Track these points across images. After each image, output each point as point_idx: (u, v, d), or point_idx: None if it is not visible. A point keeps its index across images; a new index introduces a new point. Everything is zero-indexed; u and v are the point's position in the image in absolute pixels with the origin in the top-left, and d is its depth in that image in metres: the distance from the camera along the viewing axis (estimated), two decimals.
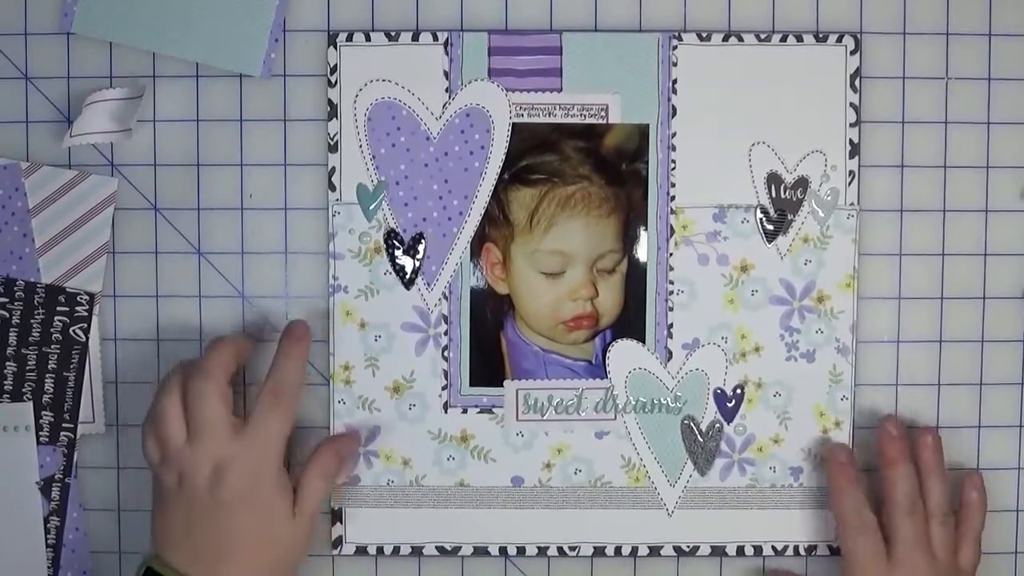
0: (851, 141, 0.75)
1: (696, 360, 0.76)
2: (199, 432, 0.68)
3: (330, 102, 0.75)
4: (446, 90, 0.75)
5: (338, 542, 0.76)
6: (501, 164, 0.75)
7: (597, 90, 0.75)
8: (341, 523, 0.76)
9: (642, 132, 0.75)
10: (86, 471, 0.77)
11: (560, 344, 0.76)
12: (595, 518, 0.77)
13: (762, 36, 0.75)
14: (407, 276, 0.75)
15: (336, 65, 0.75)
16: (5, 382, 0.75)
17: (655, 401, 0.76)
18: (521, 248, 0.75)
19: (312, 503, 0.71)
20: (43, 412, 0.75)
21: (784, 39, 0.75)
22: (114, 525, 0.77)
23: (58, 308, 0.75)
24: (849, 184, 0.75)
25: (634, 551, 0.77)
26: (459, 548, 0.77)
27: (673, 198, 0.75)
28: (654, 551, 0.76)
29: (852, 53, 0.75)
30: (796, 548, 0.77)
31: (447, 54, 0.75)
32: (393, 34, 0.75)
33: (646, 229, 0.75)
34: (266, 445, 0.69)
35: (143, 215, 0.76)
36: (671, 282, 0.76)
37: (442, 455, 0.76)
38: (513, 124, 0.75)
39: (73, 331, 0.75)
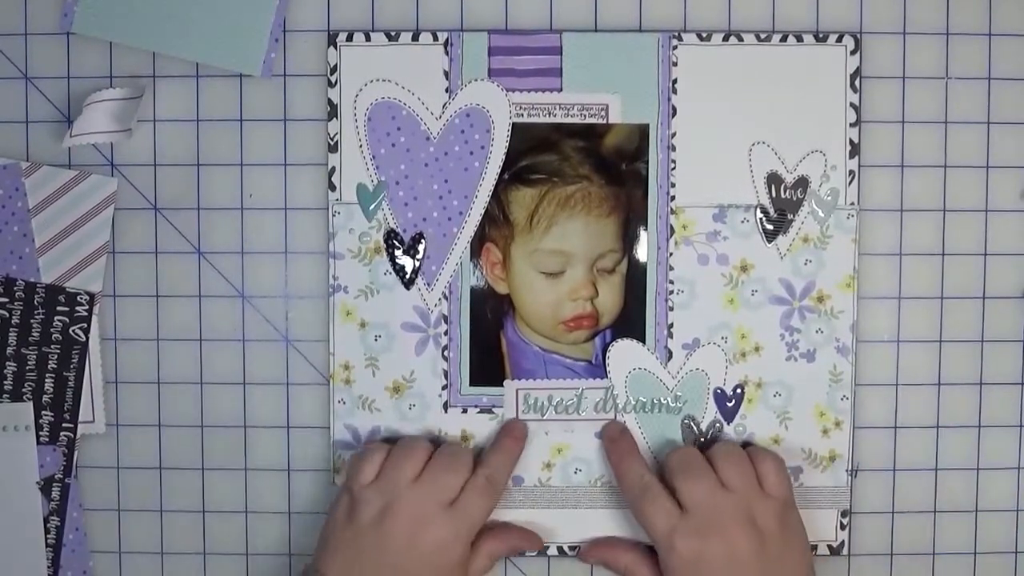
0: (851, 141, 0.75)
1: (696, 360, 0.76)
2: (428, 479, 0.71)
3: (330, 102, 0.75)
4: (446, 90, 0.75)
5: None
6: (501, 164, 0.75)
7: (597, 90, 0.75)
8: None
9: (642, 132, 0.75)
10: (86, 471, 0.77)
11: (560, 344, 0.76)
12: (595, 518, 0.76)
13: (762, 36, 0.75)
14: (407, 276, 0.75)
15: (336, 65, 0.75)
16: (5, 382, 0.75)
17: (655, 401, 0.76)
18: (521, 248, 0.75)
19: (474, 574, 0.73)
20: (43, 412, 0.75)
21: (784, 39, 0.75)
22: (114, 525, 0.77)
23: (58, 308, 0.75)
24: (849, 184, 0.75)
25: None
26: None
27: (673, 198, 0.75)
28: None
29: (852, 53, 0.75)
30: None
31: (447, 54, 0.75)
32: (393, 34, 0.75)
33: (646, 229, 0.75)
34: (469, 523, 0.71)
35: (143, 215, 0.76)
36: (671, 282, 0.76)
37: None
38: (513, 124, 0.75)
39: (73, 331, 0.75)
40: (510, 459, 0.74)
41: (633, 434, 0.76)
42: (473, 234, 0.75)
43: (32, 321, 0.75)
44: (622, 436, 0.75)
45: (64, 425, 0.76)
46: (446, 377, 0.76)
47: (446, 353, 0.76)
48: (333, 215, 0.75)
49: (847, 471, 0.76)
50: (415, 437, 0.75)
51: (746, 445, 0.75)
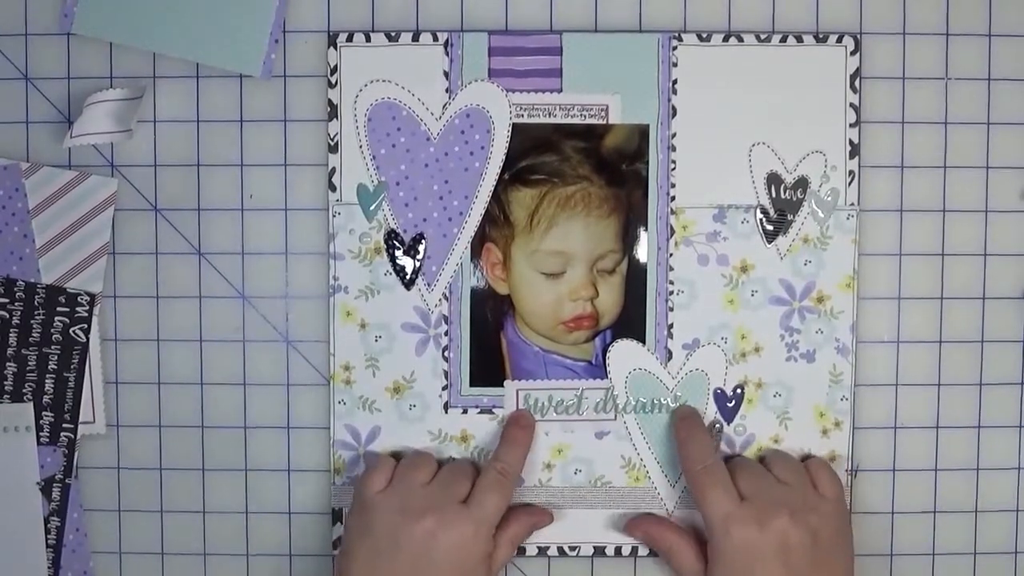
0: (851, 141, 0.75)
1: (696, 360, 0.76)
2: (441, 481, 0.72)
3: (330, 102, 0.75)
4: (446, 90, 0.75)
5: (338, 542, 0.76)
6: (501, 164, 0.75)
7: (597, 90, 0.75)
8: (341, 523, 0.76)
9: (642, 132, 0.75)
10: (86, 471, 0.77)
11: (560, 344, 0.76)
12: (595, 518, 0.77)
13: (762, 36, 0.75)
14: (407, 276, 0.75)
15: (336, 65, 0.75)
16: (5, 382, 0.75)
17: (655, 401, 0.76)
18: (521, 248, 0.75)
19: (497, 566, 0.73)
20: (43, 412, 0.75)
21: (784, 39, 0.75)
22: (114, 525, 0.77)
23: (58, 308, 0.75)
24: (849, 184, 0.75)
25: (634, 551, 0.77)
26: None
27: (673, 198, 0.75)
28: (654, 551, 0.76)
29: (852, 53, 0.75)
30: None
31: (447, 54, 0.75)
32: (393, 34, 0.75)
33: (646, 229, 0.75)
34: (486, 519, 0.71)
35: (143, 215, 0.76)
36: (671, 282, 0.76)
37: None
38: (513, 124, 0.75)
39: (73, 331, 0.75)
40: (520, 450, 0.74)
41: (632, 435, 0.76)
42: (473, 234, 0.75)
43: (32, 322, 0.75)
44: (693, 415, 0.75)
45: (64, 425, 0.76)
46: (446, 377, 0.76)
47: (446, 353, 0.76)
48: (333, 215, 0.75)
49: (847, 471, 0.76)
50: (421, 451, 0.76)
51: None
